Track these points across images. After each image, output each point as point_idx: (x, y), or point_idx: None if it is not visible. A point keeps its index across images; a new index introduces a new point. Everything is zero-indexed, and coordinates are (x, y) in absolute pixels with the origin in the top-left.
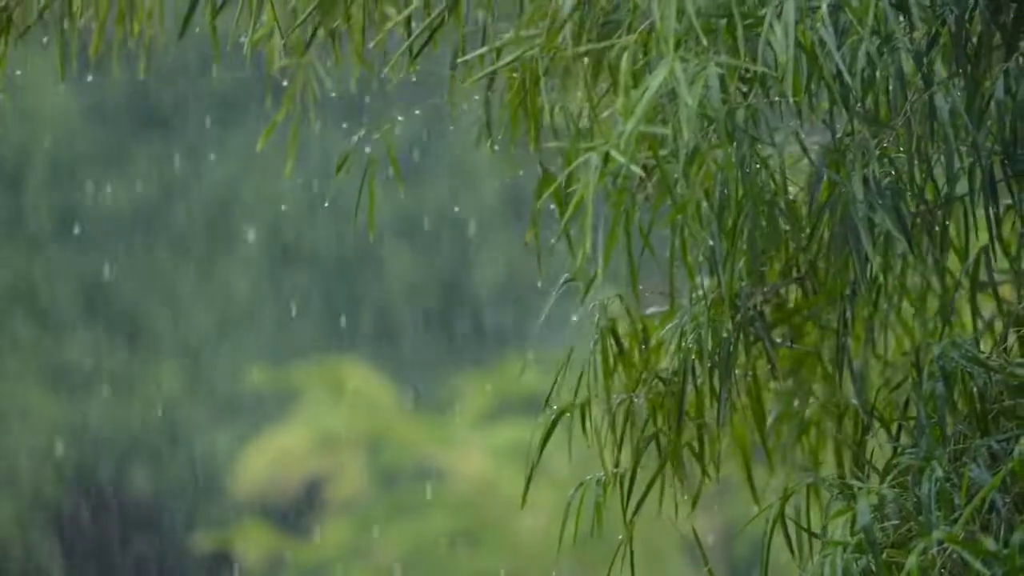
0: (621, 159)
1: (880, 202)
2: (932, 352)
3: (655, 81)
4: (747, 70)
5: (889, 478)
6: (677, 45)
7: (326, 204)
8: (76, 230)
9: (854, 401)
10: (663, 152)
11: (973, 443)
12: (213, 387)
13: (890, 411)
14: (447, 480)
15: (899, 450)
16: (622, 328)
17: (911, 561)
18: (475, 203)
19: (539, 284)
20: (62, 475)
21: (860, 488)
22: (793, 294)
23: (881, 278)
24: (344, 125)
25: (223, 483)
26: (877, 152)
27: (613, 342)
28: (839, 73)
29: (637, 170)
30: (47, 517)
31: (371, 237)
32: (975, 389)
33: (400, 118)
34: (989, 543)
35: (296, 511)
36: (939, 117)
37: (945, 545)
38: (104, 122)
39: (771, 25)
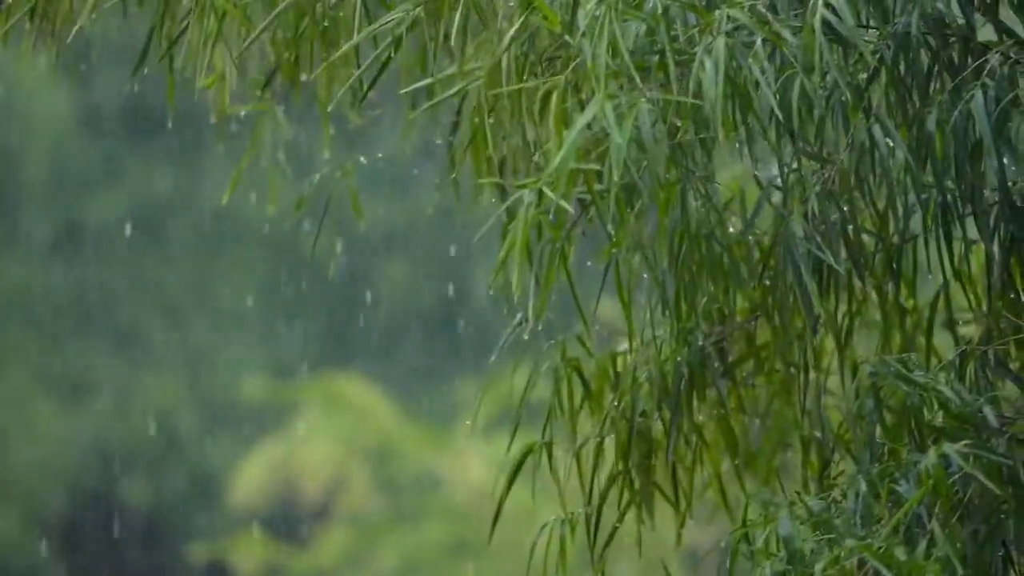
0: (552, 195)
1: (819, 238)
2: (865, 370)
3: (583, 119)
4: (680, 106)
5: (836, 493)
6: (608, 82)
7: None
8: (73, 240)
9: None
10: (599, 187)
11: (906, 459)
12: (211, 398)
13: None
14: (447, 490)
15: (834, 466)
16: (584, 367)
17: (817, 568)
18: (473, 210)
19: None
20: (60, 485)
21: (792, 504)
22: (757, 330)
23: (836, 313)
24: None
25: (220, 493)
26: (817, 188)
27: (578, 379)
28: (772, 108)
29: (567, 206)
30: (46, 527)
31: (331, 274)
32: (910, 406)
33: (363, 159)
34: (900, 552)
35: (293, 521)
36: (877, 152)
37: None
38: (100, 130)
39: (702, 62)
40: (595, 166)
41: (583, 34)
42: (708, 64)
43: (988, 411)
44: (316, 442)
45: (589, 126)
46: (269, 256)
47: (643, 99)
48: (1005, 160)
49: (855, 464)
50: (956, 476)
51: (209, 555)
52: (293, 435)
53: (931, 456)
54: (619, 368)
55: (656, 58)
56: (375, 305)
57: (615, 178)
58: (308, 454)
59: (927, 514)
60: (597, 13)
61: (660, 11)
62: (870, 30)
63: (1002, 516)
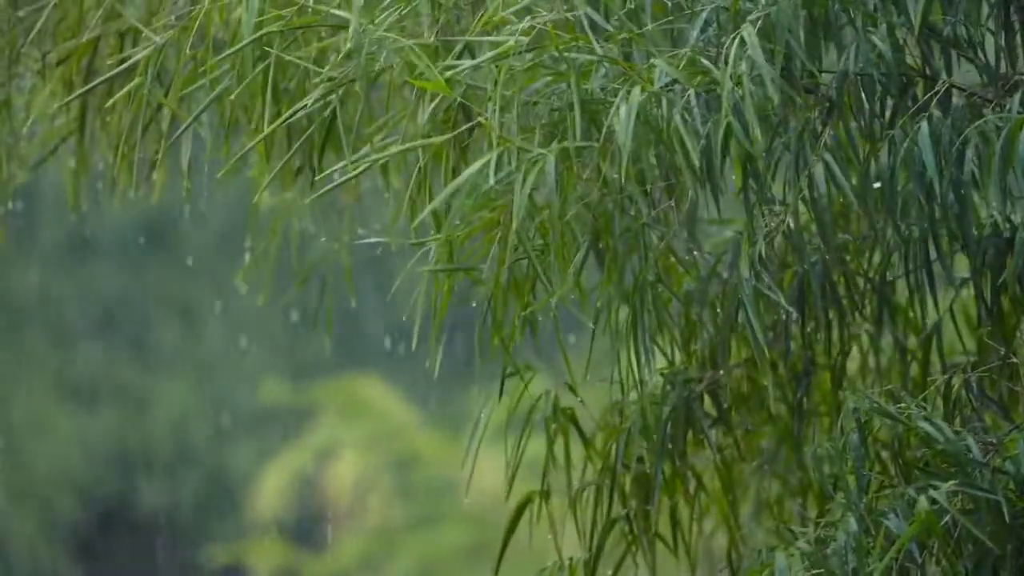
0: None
1: (767, 280)
2: (848, 405)
3: (471, 171)
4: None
5: (823, 531)
6: (521, 137)
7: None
8: (90, 246)
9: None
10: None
11: (895, 492)
12: (228, 403)
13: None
14: (462, 495)
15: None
16: (567, 408)
17: None
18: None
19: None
20: (77, 490)
21: (783, 545)
22: (745, 377)
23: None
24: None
25: (238, 498)
26: (766, 231)
27: (572, 428)
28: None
29: (462, 268)
30: (62, 532)
31: (327, 343)
32: (895, 440)
33: (361, 231)
34: None
35: (311, 525)
36: (817, 193)
37: None
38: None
39: (618, 108)
40: (491, 214)
41: (488, 97)
42: (623, 111)
43: (972, 444)
44: (334, 447)
45: (491, 181)
46: (284, 259)
47: (551, 150)
48: (958, 194)
49: (843, 500)
50: (947, 517)
51: (227, 559)
52: (311, 440)
53: (922, 501)
54: (614, 416)
55: (577, 111)
56: (394, 309)
57: (513, 228)
58: (326, 459)
59: (918, 549)
60: (502, 74)
61: (572, 67)
62: (823, 73)
63: (998, 549)
